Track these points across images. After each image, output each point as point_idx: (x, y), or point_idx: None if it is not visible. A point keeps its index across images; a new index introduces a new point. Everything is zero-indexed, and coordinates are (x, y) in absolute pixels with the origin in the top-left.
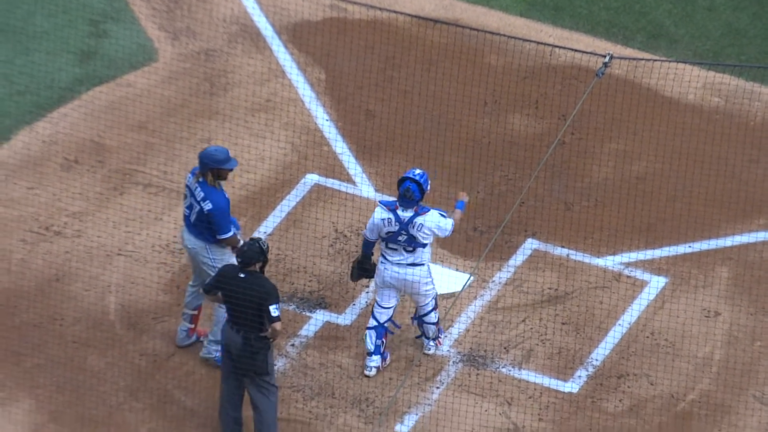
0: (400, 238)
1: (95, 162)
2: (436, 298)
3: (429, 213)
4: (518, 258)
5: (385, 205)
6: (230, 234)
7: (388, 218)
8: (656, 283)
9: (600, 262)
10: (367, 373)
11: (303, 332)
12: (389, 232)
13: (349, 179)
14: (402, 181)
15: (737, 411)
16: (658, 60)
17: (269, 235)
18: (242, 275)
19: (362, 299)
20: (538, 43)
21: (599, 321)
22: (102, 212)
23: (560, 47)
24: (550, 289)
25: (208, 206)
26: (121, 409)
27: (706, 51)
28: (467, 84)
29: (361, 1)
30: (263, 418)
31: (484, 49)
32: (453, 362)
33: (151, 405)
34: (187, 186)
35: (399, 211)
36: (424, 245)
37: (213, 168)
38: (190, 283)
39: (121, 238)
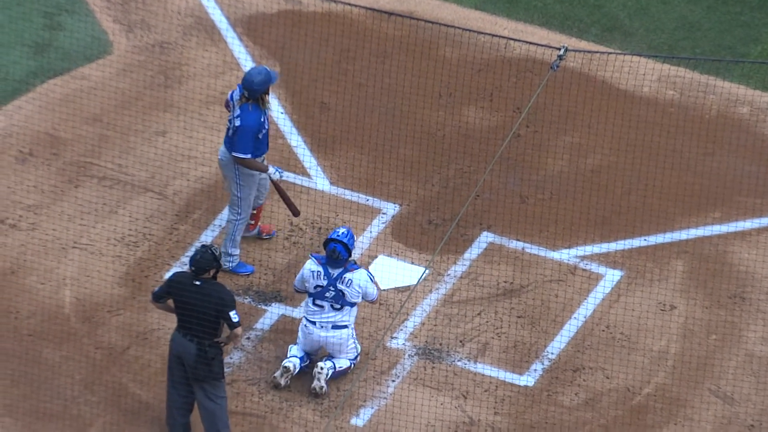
0: (327, 294)
1: (50, 155)
2: (355, 359)
3: (359, 271)
4: (473, 251)
5: (316, 259)
6: (244, 156)
7: (318, 271)
8: (612, 276)
9: (555, 255)
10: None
11: (258, 325)
12: (318, 286)
13: (304, 172)
14: (327, 242)
15: (693, 404)
16: (613, 53)
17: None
18: (198, 282)
19: None
20: (493, 35)
21: (555, 314)
22: (57, 205)
23: (515, 40)
24: (505, 282)
25: (237, 122)
26: (77, 402)
27: (660, 44)
28: (422, 76)
29: None
30: (215, 423)
31: (438, 42)
32: (408, 356)
33: (106, 398)
34: (231, 101)
35: (329, 266)
36: (352, 304)
37: (257, 94)
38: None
39: (76, 231)
